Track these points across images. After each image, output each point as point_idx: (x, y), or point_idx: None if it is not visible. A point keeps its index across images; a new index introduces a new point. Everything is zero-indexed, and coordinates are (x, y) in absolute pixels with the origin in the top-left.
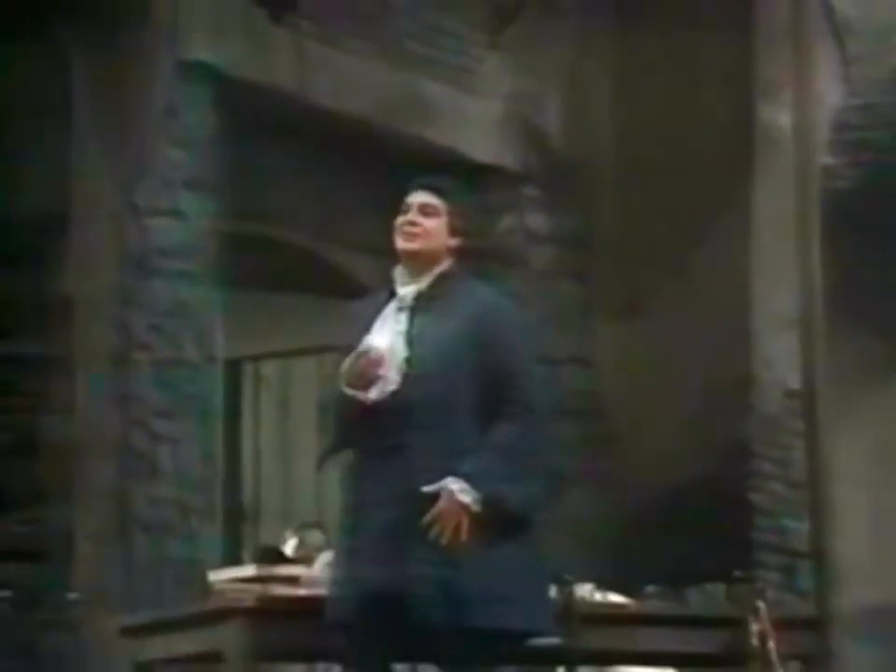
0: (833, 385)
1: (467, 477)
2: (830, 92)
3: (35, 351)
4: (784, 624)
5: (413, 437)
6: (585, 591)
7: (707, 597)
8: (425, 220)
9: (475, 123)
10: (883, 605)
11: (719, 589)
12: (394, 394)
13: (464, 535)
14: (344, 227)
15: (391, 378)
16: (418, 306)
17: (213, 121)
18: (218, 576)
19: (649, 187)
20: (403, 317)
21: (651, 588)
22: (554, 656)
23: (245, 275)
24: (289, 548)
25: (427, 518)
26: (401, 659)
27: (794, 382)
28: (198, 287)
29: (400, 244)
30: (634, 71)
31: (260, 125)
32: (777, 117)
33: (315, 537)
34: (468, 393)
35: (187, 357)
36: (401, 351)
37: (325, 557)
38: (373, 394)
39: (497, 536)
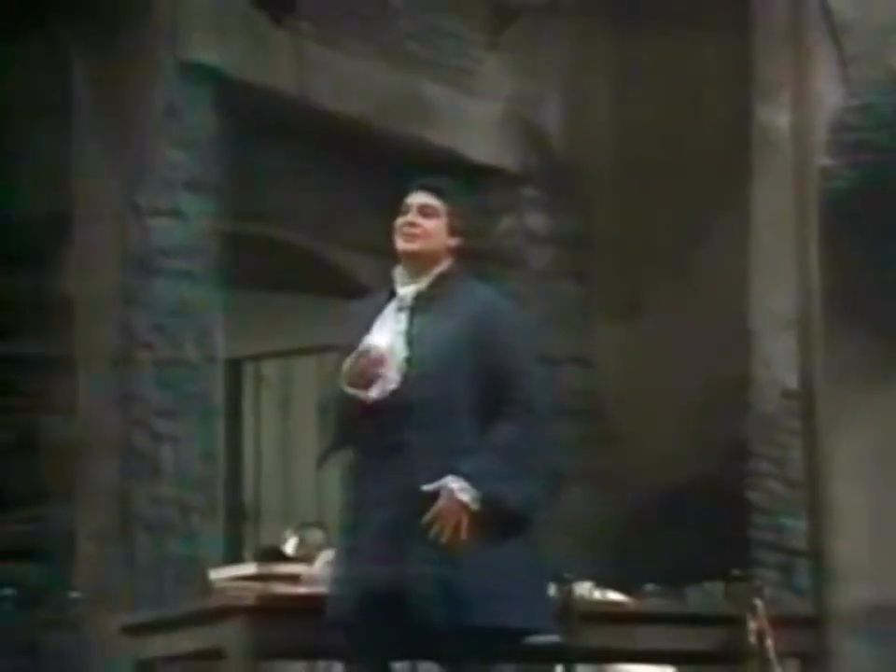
0: (830, 384)
1: (466, 476)
2: (828, 93)
3: (37, 351)
4: (782, 623)
5: (413, 436)
6: (584, 589)
7: (705, 596)
8: (424, 221)
9: (475, 124)
10: (880, 603)
11: (717, 587)
12: (394, 393)
13: (463, 534)
14: (345, 227)
15: (391, 377)
16: (418, 306)
17: (213, 122)
18: (219, 574)
19: (648, 187)
20: (403, 317)
21: (649, 586)
22: (554, 654)
23: (246, 275)
24: (290, 547)
25: (427, 517)
26: (401, 657)
27: (792, 382)
28: (199, 286)
29: (400, 244)
30: (633, 72)
31: (261, 126)
32: (776, 117)
33: (316, 535)
34: (467, 393)
35: (188, 356)
36: (401, 351)
37: (325, 556)
38: (374, 393)
39: (497, 534)
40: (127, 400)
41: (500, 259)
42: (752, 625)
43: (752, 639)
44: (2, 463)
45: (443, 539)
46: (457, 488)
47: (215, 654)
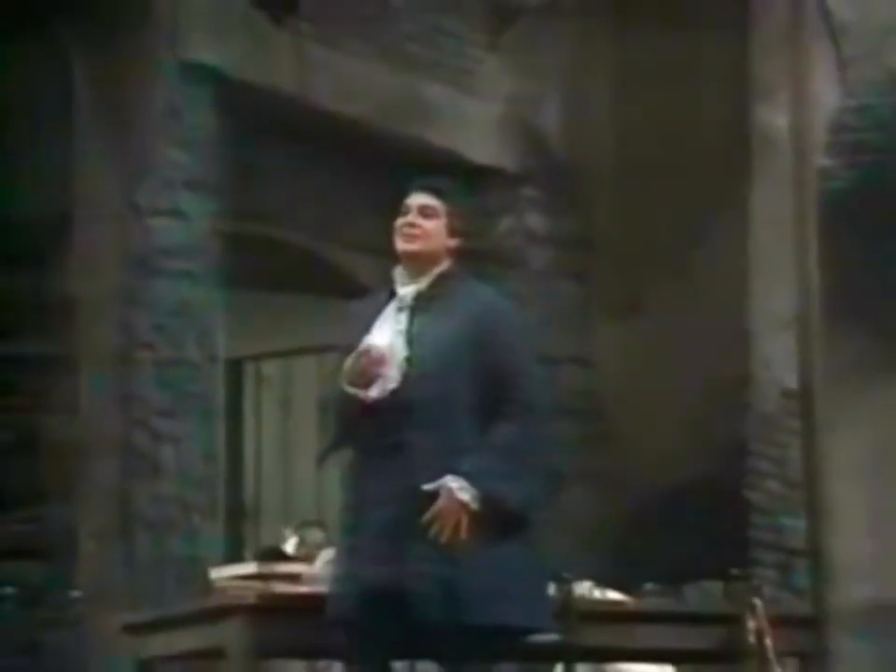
0: (829, 384)
1: (466, 475)
2: (826, 94)
3: (39, 351)
4: (781, 622)
5: (413, 436)
6: (584, 588)
7: (704, 595)
8: (424, 222)
9: (475, 125)
10: (879, 602)
11: (716, 586)
12: (394, 393)
13: (463, 533)
14: (345, 227)
15: (391, 377)
16: (418, 306)
17: (213, 122)
18: (220, 573)
19: (647, 187)
20: (403, 317)
21: (649, 585)
22: (553, 653)
23: (246, 275)
24: (290, 546)
25: (427, 516)
26: (402, 656)
27: (792, 381)
28: (199, 286)
29: (400, 245)
30: (632, 72)
31: (261, 126)
32: (775, 118)
33: (316, 535)
34: (467, 392)
35: (188, 356)
36: (401, 350)
37: (325, 555)
38: (374, 392)
39: (497, 534)
40: (128, 400)
41: (500, 259)
42: (751, 624)
43: (751, 638)
44: (3, 463)
45: (443, 539)
46: (457, 487)
47: (215, 653)
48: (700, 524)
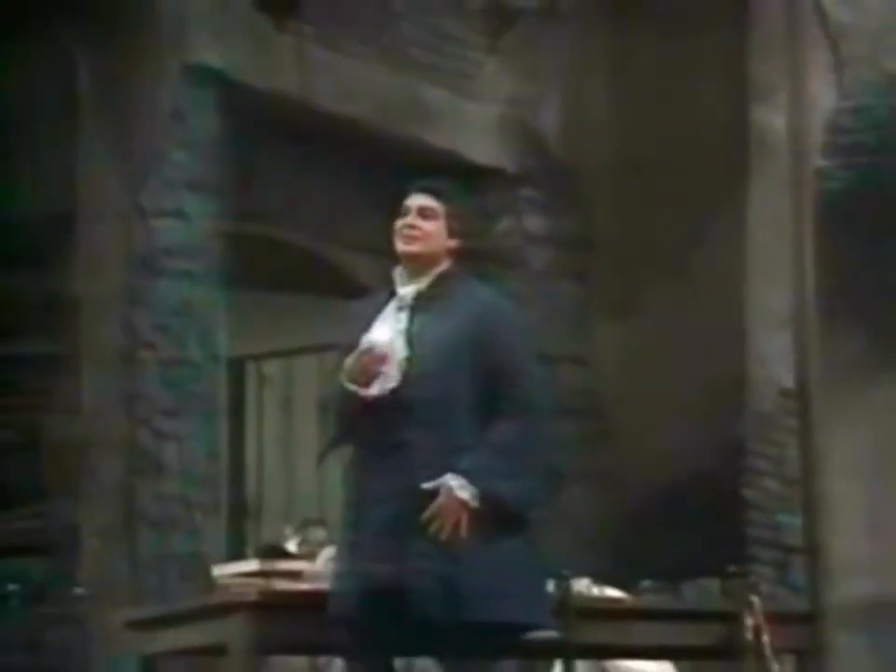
0: (826, 383)
1: (466, 473)
2: (823, 95)
3: (43, 350)
4: (778, 619)
5: (414, 435)
6: (582, 585)
7: (701, 592)
8: (424, 223)
9: (474, 126)
10: (876, 599)
11: (713, 584)
12: (394, 391)
13: (463, 530)
14: (345, 227)
15: (392, 375)
16: (418, 306)
17: (216, 123)
18: (222, 570)
19: (646, 187)
20: (403, 317)
21: (646, 583)
22: (552, 650)
23: (248, 275)
24: (292, 544)
25: (427, 514)
26: (402, 653)
27: (789, 380)
28: (201, 286)
29: (400, 246)
30: (631, 74)
31: (263, 128)
32: (772, 119)
33: (317, 532)
34: (467, 391)
35: (191, 356)
36: (401, 350)
37: (327, 552)
38: (374, 390)
39: (496, 532)
40: (131, 399)
41: (500, 259)
42: (749, 621)
43: (749, 635)
44: (6, 461)
45: (443, 536)
46: (457, 486)
47: (218, 650)
48: (698, 521)
